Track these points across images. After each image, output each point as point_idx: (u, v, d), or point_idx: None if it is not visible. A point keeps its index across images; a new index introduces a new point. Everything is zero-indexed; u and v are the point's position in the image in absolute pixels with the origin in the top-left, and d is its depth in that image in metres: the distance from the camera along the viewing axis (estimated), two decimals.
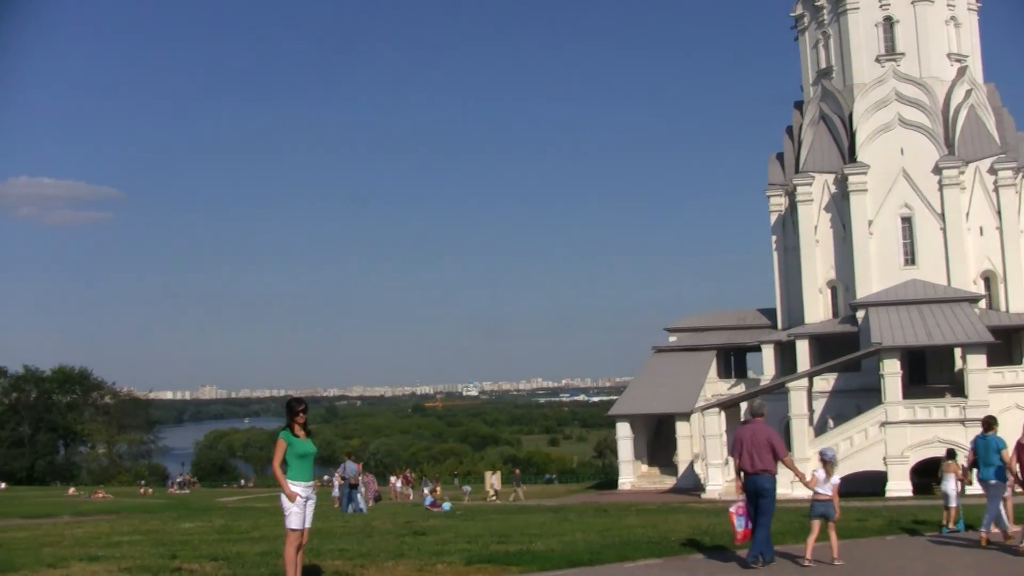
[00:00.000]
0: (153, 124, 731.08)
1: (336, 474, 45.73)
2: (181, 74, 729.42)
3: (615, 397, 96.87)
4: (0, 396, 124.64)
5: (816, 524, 16.18)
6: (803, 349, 65.06)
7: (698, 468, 59.02)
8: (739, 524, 16.08)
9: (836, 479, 16.51)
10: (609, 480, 75.43)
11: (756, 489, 15.90)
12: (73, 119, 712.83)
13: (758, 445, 15.92)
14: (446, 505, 41.67)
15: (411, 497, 62.58)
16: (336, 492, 44.15)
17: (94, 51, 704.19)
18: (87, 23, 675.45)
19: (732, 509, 16.30)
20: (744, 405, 61.63)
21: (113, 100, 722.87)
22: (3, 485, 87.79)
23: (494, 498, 61.49)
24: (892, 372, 53.22)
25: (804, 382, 57.95)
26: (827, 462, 16.64)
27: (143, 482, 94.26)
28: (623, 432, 64.97)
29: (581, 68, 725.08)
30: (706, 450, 56.17)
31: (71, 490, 75.19)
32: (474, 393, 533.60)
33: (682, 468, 62.24)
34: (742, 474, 16.13)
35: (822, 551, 16.03)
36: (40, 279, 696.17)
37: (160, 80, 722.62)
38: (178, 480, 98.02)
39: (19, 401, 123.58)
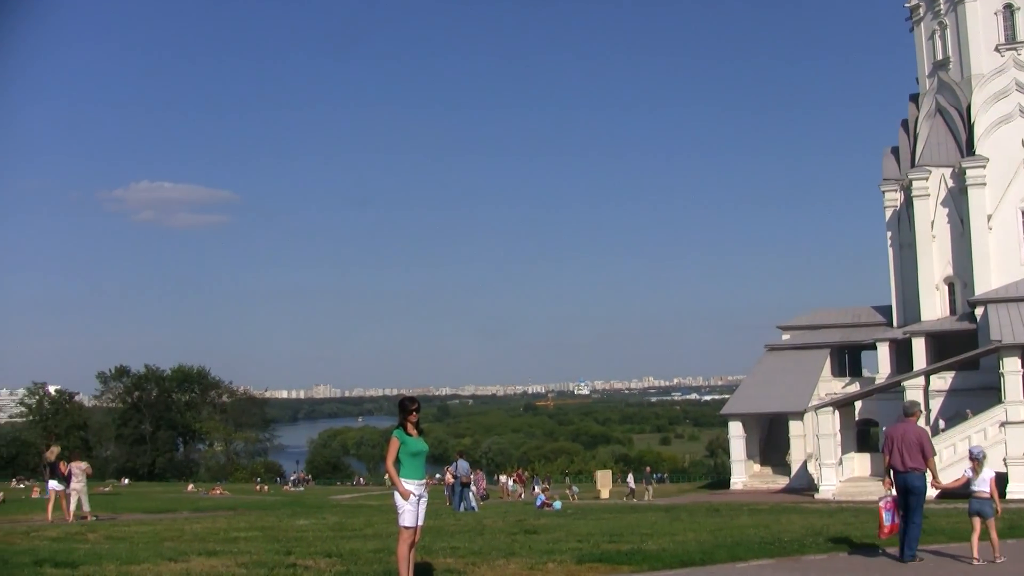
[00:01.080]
0: (266, 127, 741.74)
1: (447, 472, 45.96)
2: (292, 78, 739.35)
3: (727, 396, 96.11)
4: (123, 395, 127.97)
5: (976, 522, 16.03)
6: (919, 347, 63.79)
7: (811, 468, 58.24)
8: (887, 519, 16.18)
9: (991, 473, 16.35)
10: (721, 479, 74.90)
11: (906, 487, 16.05)
12: (190, 125, 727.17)
13: (908, 444, 16.07)
14: (557, 504, 41.69)
15: (522, 496, 62.76)
16: (447, 491, 44.35)
17: (207, 59, 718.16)
18: (195, 34, 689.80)
19: (881, 503, 16.37)
20: (859, 404, 61.00)
21: (226, 105, 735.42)
22: (126, 481, 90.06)
23: (630, 496, 61.00)
24: (1012, 370, 51.88)
25: (920, 381, 56.96)
26: (975, 459, 16.48)
27: (259, 479, 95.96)
28: (735, 431, 64.52)
29: (693, 64, 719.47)
30: (819, 450, 55.40)
31: (190, 486, 76.76)
32: (585, 392, 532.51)
33: (795, 468, 61.56)
34: (891, 471, 16.23)
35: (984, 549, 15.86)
36: (160, 280, 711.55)
37: (270, 84, 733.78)
38: (293, 478, 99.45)
39: (141, 400, 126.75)
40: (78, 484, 30.23)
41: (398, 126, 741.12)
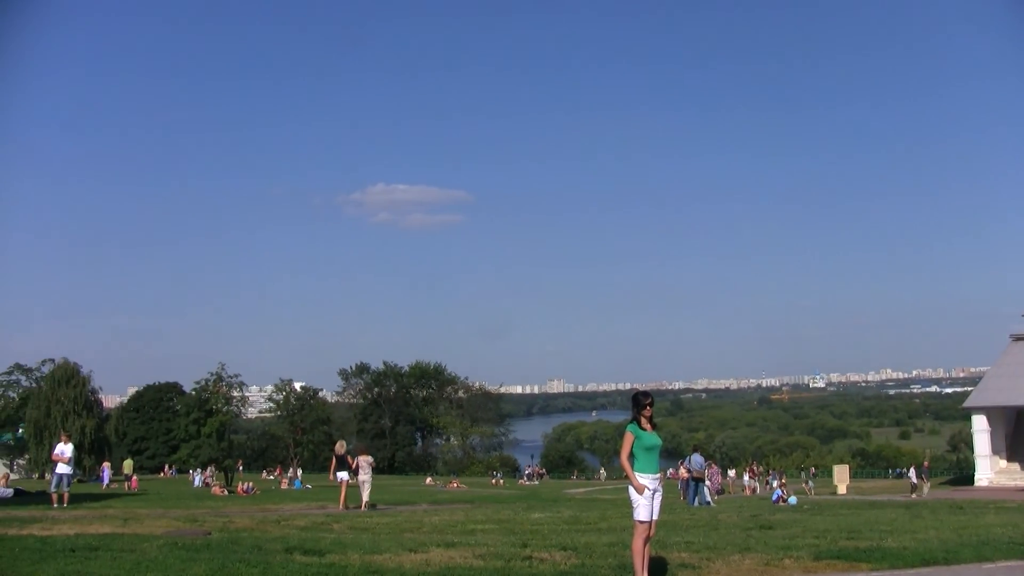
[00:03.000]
0: (498, 130, 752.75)
1: (681, 467, 45.87)
2: (521, 82, 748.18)
3: (970, 388, 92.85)
4: (363, 391, 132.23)
5: None
6: None
7: None
8: None
9: None
10: (964, 476, 72.39)
11: None
12: (423, 129, 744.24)
13: None
14: (792, 499, 41.17)
15: (756, 490, 62.05)
16: (681, 486, 44.24)
17: (442, 68, 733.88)
18: (427, 42, 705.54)
19: None
20: None
21: (458, 110, 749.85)
22: (345, 476, 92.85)
23: (918, 492, 58.93)
24: None
25: None
26: None
27: (495, 473, 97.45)
28: (979, 425, 62.18)
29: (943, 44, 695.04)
30: None
31: (428, 480, 78.72)
32: (821, 385, 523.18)
33: None
34: None
35: None
36: (397, 280, 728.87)
37: (501, 90, 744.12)
38: (527, 471, 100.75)
39: (380, 396, 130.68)
40: (365, 476, 32.42)
41: (619, 125, 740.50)
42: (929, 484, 58.55)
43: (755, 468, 73.77)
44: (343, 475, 33.22)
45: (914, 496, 52.79)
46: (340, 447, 34.96)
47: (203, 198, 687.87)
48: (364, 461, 32.66)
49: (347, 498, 32.50)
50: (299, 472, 76.42)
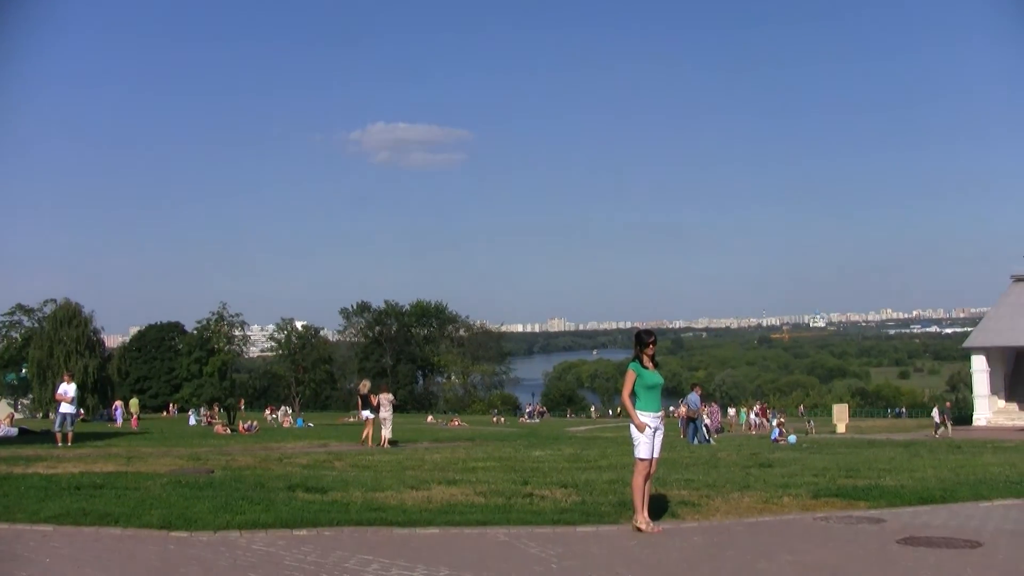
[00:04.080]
0: (499, 68, 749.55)
1: (682, 405, 46.02)
2: (523, 26, 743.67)
3: (969, 329, 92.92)
4: (364, 330, 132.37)
5: None
6: None
7: None
8: None
9: None
10: (963, 415, 72.59)
11: None
12: (424, 67, 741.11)
13: None
14: (792, 438, 41.34)
15: (764, 428, 62.25)
16: (681, 424, 44.42)
17: (441, 4, 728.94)
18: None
19: None
20: None
21: (460, 48, 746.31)
22: (369, 414, 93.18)
23: (942, 431, 58.23)
24: None
25: None
26: None
27: (496, 411, 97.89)
28: (978, 365, 62.34)
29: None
30: None
31: (429, 418, 79.11)
32: (821, 324, 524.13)
33: None
34: None
35: None
36: (397, 219, 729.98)
37: (502, 31, 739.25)
38: (528, 410, 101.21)
39: (382, 334, 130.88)
40: (386, 413, 33.18)
41: (620, 61, 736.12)
42: (952, 424, 58.10)
43: (764, 407, 73.56)
44: (366, 413, 33.94)
45: (940, 435, 52.51)
46: (364, 386, 35.91)
47: (202, 137, 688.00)
48: (385, 399, 33.44)
49: (370, 436, 32.95)
50: (289, 410, 76.36)
